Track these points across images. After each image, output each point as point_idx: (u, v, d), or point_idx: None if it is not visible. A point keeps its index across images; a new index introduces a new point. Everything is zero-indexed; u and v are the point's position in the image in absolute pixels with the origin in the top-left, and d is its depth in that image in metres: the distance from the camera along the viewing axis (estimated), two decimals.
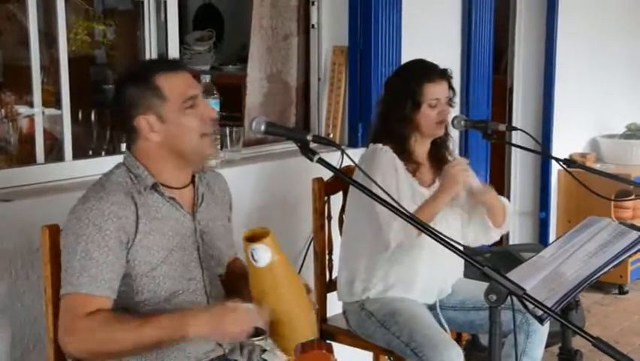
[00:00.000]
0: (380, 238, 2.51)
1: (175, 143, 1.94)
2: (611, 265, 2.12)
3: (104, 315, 1.83)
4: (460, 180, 2.55)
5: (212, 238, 2.06)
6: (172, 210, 1.97)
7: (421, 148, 2.69)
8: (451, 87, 2.68)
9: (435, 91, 2.62)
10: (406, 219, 1.79)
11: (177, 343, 1.87)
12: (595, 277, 2.07)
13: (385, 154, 2.59)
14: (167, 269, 1.93)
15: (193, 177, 2.05)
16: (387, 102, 2.69)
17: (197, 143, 1.94)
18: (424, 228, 1.79)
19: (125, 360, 1.89)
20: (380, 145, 2.61)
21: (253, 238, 1.87)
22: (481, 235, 2.76)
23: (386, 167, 2.56)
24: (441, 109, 2.62)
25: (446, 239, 1.74)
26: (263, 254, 1.85)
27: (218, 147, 2.03)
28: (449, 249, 1.74)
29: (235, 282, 2.14)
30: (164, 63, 2.05)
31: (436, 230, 1.79)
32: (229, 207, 2.20)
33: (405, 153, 2.62)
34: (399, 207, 1.78)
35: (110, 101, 2.01)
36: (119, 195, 1.89)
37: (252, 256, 1.85)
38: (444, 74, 2.66)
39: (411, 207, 2.47)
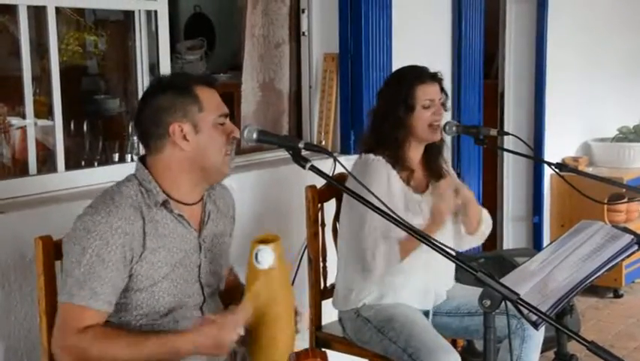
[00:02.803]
0: (364, 263, 2.52)
1: (202, 155, 1.94)
2: (605, 269, 2.12)
3: (97, 331, 1.84)
4: (449, 210, 2.56)
5: (215, 255, 2.07)
6: (179, 227, 1.97)
7: (414, 154, 2.68)
8: (443, 90, 2.69)
9: (427, 92, 2.62)
10: (402, 227, 1.78)
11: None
12: (589, 281, 2.07)
13: (378, 164, 2.58)
14: (168, 285, 1.94)
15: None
16: (381, 109, 2.68)
17: (221, 160, 1.96)
18: (419, 235, 1.79)
19: None
20: (372, 155, 2.61)
21: (261, 241, 1.89)
22: (452, 241, 2.75)
23: (378, 179, 2.54)
24: (435, 109, 2.63)
25: (441, 246, 1.74)
26: (266, 256, 1.86)
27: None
28: (443, 255, 1.74)
29: (230, 293, 2.15)
30: (203, 77, 2.05)
31: (430, 237, 1.79)
32: (232, 221, 2.21)
33: (398, 160, 2.62)
34: (394, 216, 1.78)
35: (137, 107, 2.01)
36: (127, 209, 1.89)
37: (256, 256, 1.87)
38: (435, 77, 2.67)
39: (410, 216, 2.46)
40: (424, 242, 1.76)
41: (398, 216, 1.80)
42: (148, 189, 1.94)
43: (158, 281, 1.92)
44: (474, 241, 2.78)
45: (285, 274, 1.93)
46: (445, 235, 2.60)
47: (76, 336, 1.82)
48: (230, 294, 2.15)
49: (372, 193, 1.88)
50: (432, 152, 2.73)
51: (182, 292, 1.96)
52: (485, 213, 2.77)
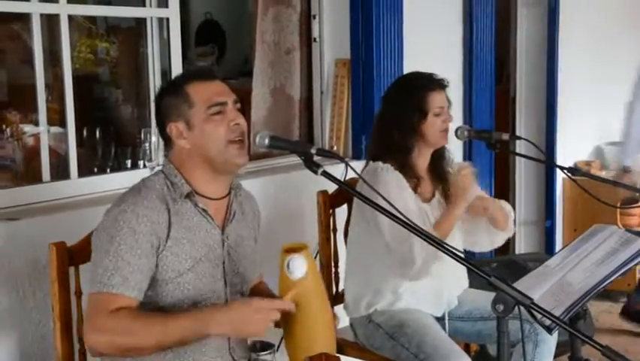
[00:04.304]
0: (403, 257, 2.47)
1: (202, 150, 1.96)
2: (619, 274, 2.11)
3: (128, 312, 1.85)
4: (469, 187, 2.55)
5: (239, 256, 2.08)
6: (203, 222, 1.99)
7: (422, 161, 2.67)
8: (447, 98, 2.69)
9: (438, 99, 2.63)
10: (416, 234, 1.78)
11: (199, 340, 1.90)
12: (602, 285, 2.06)
13: (388, 172, 2.56)
14: (193, 278, 1.95)
15: (230, 191, 2.08)
16: (391, 116, 2.67)
17: (223, 150, 1.96)
18: (432, 241, 1.78)
19: (147, 358, 1.90)
20: (380, 163, 2.59)
21: (290, 250, 1.88)
22: (486, 242, 2.76)
23: (391, 185, 2.53)
24: (445, 117, 2.63)
25: (455, 251, 1.74)
26: (299, 266, 1.85)
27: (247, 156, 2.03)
28: (457, 260, 1.73)
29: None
30: (197, 73, 2.08)
31: (444, 242, 1.78)
32: (257, 228, 2.22)
33: (406, 168, 2.60)
34: (410, 223, 1.77)
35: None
36: (153, 200, 1.92)
37: (288, 266, 1.86)
38: (443, 84, 2.67)
39: (420, 225, 2.45)
40: (439, 248, 1.75)
41: (414, 223, 1.79)
42: (173, 182, 1.97)
43: (183, 273, 1.93)
44: (507, 234, 2.76)
45: (318, 281, 1.91)
46: (455, 240, 2.60)
47: (110, 317, 1.82)
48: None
49: (387, 200, 1.87)
50: (437, 158, 2.73)
51: (207, 286, 1.97)
52: (505, 204, 2.76)
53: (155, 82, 3.13)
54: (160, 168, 2.05)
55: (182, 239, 1.94)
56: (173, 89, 2.01)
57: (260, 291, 2.20)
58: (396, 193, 2.50)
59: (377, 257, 2.59)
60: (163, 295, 1.93)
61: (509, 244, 4.90)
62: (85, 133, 3.13)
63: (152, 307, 1.92)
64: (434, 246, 1.76)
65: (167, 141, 2.02)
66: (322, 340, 1.93)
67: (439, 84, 2.65)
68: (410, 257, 2.44)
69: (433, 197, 2.68)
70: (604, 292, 2.33)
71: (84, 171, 2.85)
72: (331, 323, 1.97)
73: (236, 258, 2.07)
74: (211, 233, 2.00)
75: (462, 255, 1.76)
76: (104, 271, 1.86)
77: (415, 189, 2.61)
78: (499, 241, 2.78)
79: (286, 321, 1.91)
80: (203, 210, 1.99)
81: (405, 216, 1.79)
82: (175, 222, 1.93)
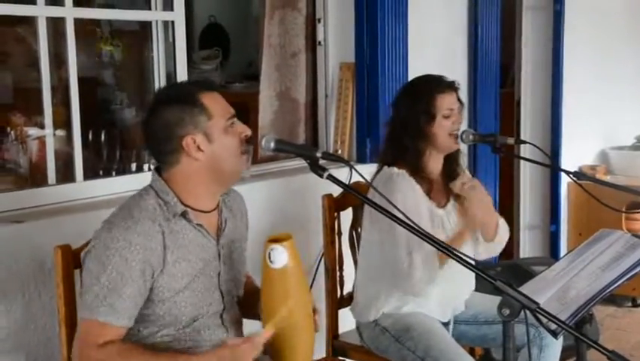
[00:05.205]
0: (401, 273, 2.47)
1: (218, 161, 1.93)
2: (625, 279, 2.10)
3: (117, 347, 1.84)
4: (478, 213, 2.55)
5: (233, 262, 2.07)
6: (198, 237, 1.96)
7: (434, 164, 2.65)
8: (459, 99, 2.67)
9: (447, 101, 2.60)
10: (428, 242, 1.78)
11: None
12: (608, 290, 2.06)
13: (403, 178, 2.54)
14: (189, 295, 1.94)
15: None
16: (400, 119, 2.64)
17: (237, 161, 1.96)
18: (441, 246, 1.78)
19: None
20: (395, 169, 2.56)
21: (274, 240, 1.87)
22: (469, 249, 2.73)
23: (405, 191, 2.51)
24: (455, 119, 2.61)
25: (462, 256, 1.74)
26: (280, 256, 1.85)
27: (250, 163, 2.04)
28: (463, 265, 1.73)
29: (247, 299, 2.15)
30: (205, 83, 2.04)
31: (452, 247, 1.78)
32: (246, 226, 2.21)
33: (419, 172, 2.58)
34: (421, 231, 1.77)
35: (144, 123, 1.98)
36: (146, 223, 1.88)
37: (269, 256, 1.85)
38: (452, 86, 2.65)
39: (431, 233, 2.43)
40: (448, 254, 1.76)
41: (423, 230, 1.79)
42: (166, 201, 1.93)
43: (179, 291, 1.91)
44: (491, 249, 2.72)
45: (299, 272, 1.91)
46: (465, 246, 2.59)
47: (98, 350, 1.82)
48: (248, 300, 2.15)
49: (397, 208, 1.87)
50: (451, 162, 2.71)
51: (202, 300, 1.96)
52: (501, 220, 2.74)
53: (160, 85, 3.14)
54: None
55: (178, 259, 1.91)
56: (186, 99, 1.92)
57: (250, 293, 2.17)
58: (412, 200, 2.48)
59: (389, 264, 2.57)
60: (160, 314, 1.91)
61: (514, 248, 4.90)
62: (90, 136, 3.13)
63: (148, 326, 1.92)
64: (443, 252, 1.76)
65: (173, 154, 1.93)
66: (302, 334, 1.92)
67: (449, 86, 2.63)
68: (407, 273, 2.45)
69: (448, 202, 2.65)
70: (609, 297, 2.32)
71: (89, 173, 2.85)
72: (310, 315, 1.95)
73: (232, 265, 2.06)
74: (206, 247, 1.98)
75: (470, 260, 1.76)
76: (94, 297, 1.84)
77: (428, 194, 2.60)
78: (482, 252, 2.70)
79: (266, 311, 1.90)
80: (198, 225, 1.96)
81: (414, 224, 1.79)
82: (170, 244, 1.90)
